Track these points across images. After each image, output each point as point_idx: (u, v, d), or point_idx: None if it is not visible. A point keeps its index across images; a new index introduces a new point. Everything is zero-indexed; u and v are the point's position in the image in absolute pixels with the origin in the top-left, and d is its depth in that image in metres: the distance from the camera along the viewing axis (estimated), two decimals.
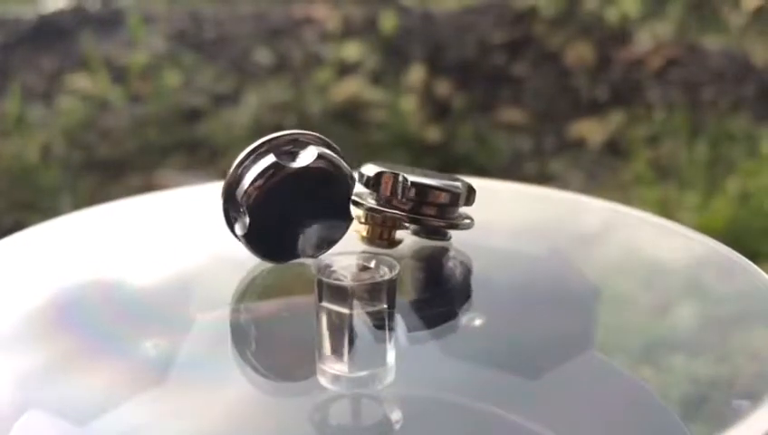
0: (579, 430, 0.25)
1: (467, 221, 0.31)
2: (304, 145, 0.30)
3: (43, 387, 0.26)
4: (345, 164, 0.30)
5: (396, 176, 0.30)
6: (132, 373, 0.27)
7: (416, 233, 0.32)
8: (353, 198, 0.30)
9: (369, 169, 0.30)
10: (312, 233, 0.30)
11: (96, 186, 1.13)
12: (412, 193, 0.30)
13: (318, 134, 0.31)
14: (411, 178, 0.30)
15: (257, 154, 0.30)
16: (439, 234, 0.32)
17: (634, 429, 0.26)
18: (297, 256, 0.30)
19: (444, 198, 0.30)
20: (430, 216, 0.30)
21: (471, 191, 0.31)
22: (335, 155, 0.30)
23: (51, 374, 0.27)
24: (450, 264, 0.32)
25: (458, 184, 0.31)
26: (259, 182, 0.29)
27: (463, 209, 0.31)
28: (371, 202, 0.30)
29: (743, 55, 1.41)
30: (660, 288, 0.32)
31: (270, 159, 0.29)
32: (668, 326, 0.31)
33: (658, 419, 0.26)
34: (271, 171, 0.29)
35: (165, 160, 1.19)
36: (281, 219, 0.29)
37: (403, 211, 0.30)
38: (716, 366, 0.29)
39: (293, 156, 0.30)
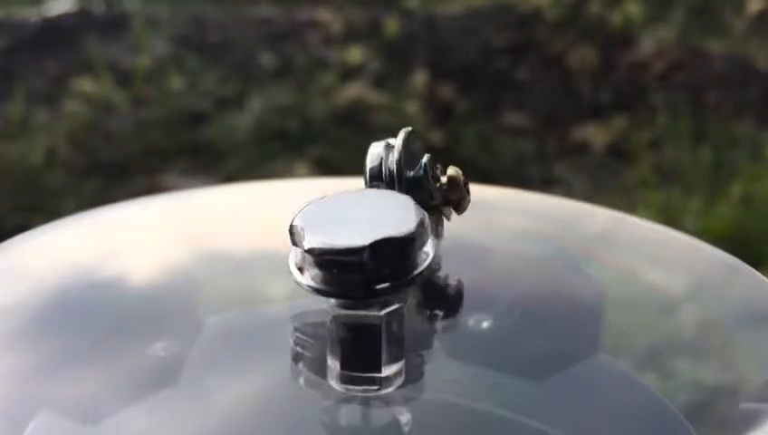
0: (586, 433, 0.26)
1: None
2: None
3: (51, 390, 0.26)
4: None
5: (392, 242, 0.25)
6: (142, 377, 0.27)
7: None
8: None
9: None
10: None
11: (100, 189, 1.13)
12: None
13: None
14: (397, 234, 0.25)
15: None
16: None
17: (642, 433, 0.26)
18: None
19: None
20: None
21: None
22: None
23: (58, 377, 0.27)
24: (455, 267, 0.32)
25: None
26: None
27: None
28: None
29: (746, 59, 1.41)
30: (663, 295, 0.32)
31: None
32: (673, 331, 0.31)
33: (666, 423, 0.26)
34: None
35: (169, 164, 1.19)
36: None
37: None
38: (723, 372, 0.29)
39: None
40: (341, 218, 0.26)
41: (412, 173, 0.29)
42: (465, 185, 0.31)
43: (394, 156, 0.29)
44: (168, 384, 0.27)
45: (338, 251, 0.25)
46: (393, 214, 0.26)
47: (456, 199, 0.30)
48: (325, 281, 0.25)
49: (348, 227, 0.25)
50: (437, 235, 0.30)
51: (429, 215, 0.29)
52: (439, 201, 0.30)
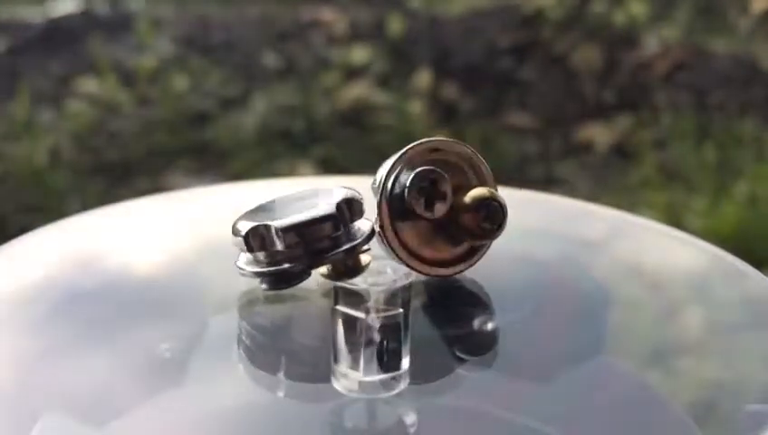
0: (589, 433, 0.26)
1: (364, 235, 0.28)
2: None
3: (54, 382, 0.27)
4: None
5: (264, 228, 0.27)
6: (144, 376, 0.27)
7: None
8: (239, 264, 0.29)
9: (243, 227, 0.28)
10: None
11: (104, 189, 1.13)
12: (292, 239, 0.27)
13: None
14: (277, 224, 0.27)
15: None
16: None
17: (646, 432, 0.26)
18: None
19: (326, 228, 0.27)
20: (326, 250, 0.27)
21: (350, 203, 0.28)
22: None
23: (60, 371, 0.27)
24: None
25: (335, 199, 0.27)
26: None
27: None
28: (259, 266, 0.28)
29: (750, 59, 1.41)
30: (667, 295, 0.32)
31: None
32: (676, 331, 0.31)
33: (670, 423, 0.26)
34: None
35: (173, 164, 1.20)
36: None
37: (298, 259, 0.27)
38: (727, 372, 0.29)
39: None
40: (277, 211, 0.28)
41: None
42: (493, 212, 0.28)
43: (384, 168, 0.29)
44: (169, 380, 0.27)
45: (237, 235, 0.28)
46: (312, 210, 0.28)
47: (478, 231, 0.28)
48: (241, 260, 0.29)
49: (267, 217, 0.28)
50: (462, 260, 0.30)
51: (456, 242, 0.29)
52: (433, 216, 0.28)
